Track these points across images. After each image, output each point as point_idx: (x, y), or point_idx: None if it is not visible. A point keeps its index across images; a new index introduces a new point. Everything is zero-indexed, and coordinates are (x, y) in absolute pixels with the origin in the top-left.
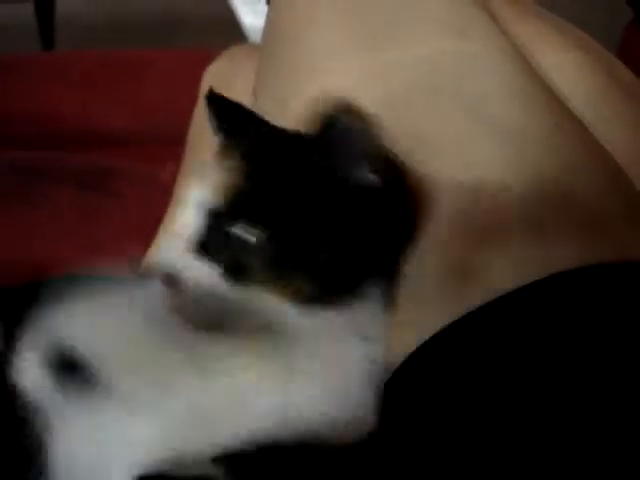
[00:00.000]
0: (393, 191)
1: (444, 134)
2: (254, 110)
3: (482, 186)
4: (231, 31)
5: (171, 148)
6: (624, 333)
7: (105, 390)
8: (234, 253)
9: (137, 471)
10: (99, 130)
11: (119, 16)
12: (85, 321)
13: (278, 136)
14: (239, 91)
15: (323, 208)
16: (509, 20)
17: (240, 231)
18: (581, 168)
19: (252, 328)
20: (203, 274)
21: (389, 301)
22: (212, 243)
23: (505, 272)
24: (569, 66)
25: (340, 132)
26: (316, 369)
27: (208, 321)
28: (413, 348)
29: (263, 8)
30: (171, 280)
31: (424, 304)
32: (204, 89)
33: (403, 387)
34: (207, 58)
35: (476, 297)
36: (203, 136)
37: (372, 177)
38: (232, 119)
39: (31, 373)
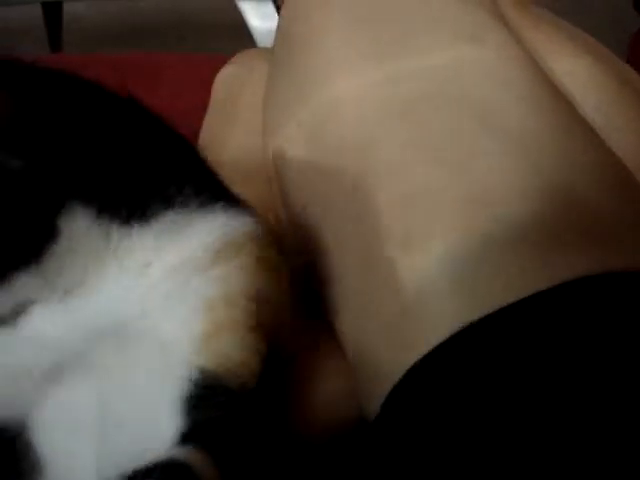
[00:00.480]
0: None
1: (453, 144)
2: (264, 117)
3: (491, 197)
4: (238, 34)
5: None
6: (631, 343)
7: None
8: None
9: None
10: None
11: (125, 18)
12: None
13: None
14: (251, 96)
15: None
16: (521, 26)
17: None
18: (593, 175)
19: None
20: None
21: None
22: None
23: (516, 280)
24: (580, 72)
25: None
26: None
27: None
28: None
29: (270, 11)
30: None
31: (430, 315)
32: (216, 94)
33: (408, 395)
34: (216, 62)
35: (483, 305)
36: (216, 139)
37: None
38: None
39: None
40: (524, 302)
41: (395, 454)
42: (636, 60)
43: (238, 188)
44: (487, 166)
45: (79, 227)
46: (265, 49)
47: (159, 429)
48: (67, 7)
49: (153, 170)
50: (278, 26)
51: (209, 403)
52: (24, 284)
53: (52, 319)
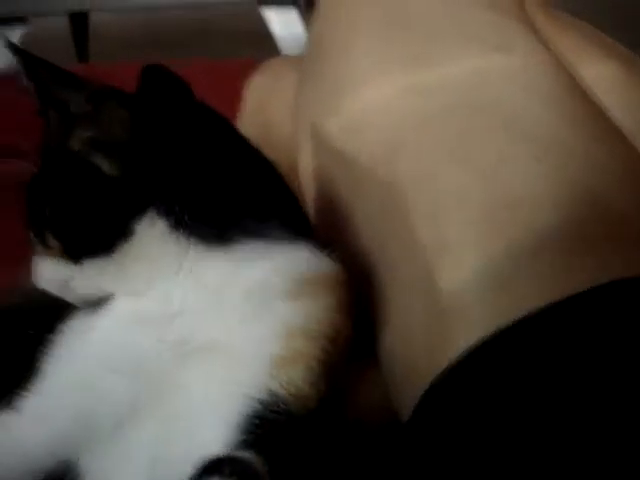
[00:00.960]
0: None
1: (483, 152)
2: (295, 125)
3: (521, 203)
4: (261, 41)
5: None
6: None
7: None
8: None
9: None
10: None
11: (149, 28)
12: None
13: None
14: (282, 103)
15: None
16: (549, 32)
17: None
18: (622, 180)
19: None
20: None
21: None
22: None
23: (550, 284)
24: (608, 76)
25: None
26: None
27: None
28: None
29: (294, 18)
30: None
31: (465, 319)
32: (248, 101)
33: (443, 396)
34: (241, 69)
35: (519, 309)
36: None
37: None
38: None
39: None
40: (559, 305)
41: (428, 455)
42: None
43: None
44: (517, 173)
45: (152, 233)
46: (291, 57)
47: (212, 441)
48: (93, 17)
49: (240, 197)
50: (309, 32)
51: (271, 423)
52: (95, 268)
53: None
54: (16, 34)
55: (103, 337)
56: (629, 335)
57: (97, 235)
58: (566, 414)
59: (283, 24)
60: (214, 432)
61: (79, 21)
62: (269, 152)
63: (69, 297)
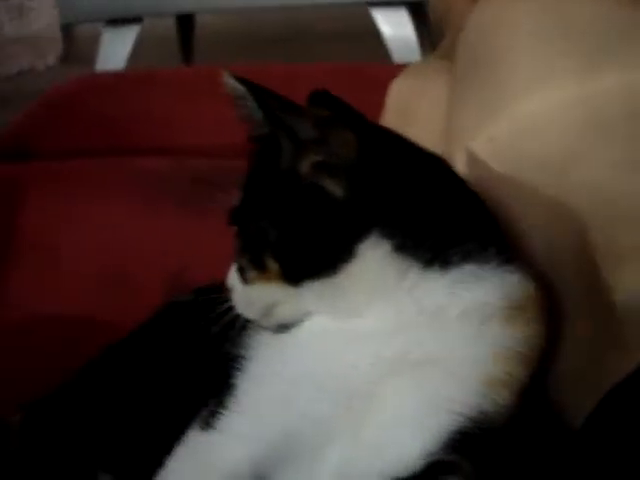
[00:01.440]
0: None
1: None
2: (448, 129)
3: None
4: (366, 41)
5: None
6: None
7: None
8: None
9: None
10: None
11: (252, 28)
12: None
13: None
14: (426, 107)
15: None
16: None
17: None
18: None
19: None
20: None
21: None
22: None
23: None
24: None
25: None
26: None
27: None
28: None
29: (404, 18)
30: None
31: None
32: (390, 105)
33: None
34: (354, 71)
35: None
36: None
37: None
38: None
39: None
40: None
41: (604, 462)
42: None
43: None
44: None
45: (375, 255)
46: (434, 61)
47: (408, 454)
48: (197, 18)
49: (460, 222)
50: (463, 40)
51: (472, 436)
52: (312, 290)
53: (331, 338)
54: (132, 33)
55: (309, 356)
56: None
57: (321, 257)
58: None
59: (392, 24)
60: (411, 445)
61: (186, 22)
62: None
63: (266, 322)
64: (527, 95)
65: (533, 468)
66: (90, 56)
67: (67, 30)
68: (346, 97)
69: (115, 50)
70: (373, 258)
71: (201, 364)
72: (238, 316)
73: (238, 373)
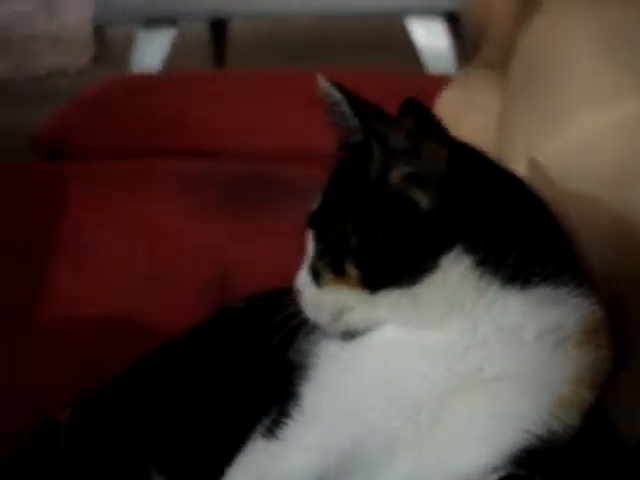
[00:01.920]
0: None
1: None
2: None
3: None
4: (401, 50)
5: None
6: None
7: None
8: None
9: None
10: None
11: (280, 35)
12: None
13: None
14: (474, 120)
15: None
16: None
17: None
18: None
19: None
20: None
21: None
22: None
23: None
24: None
25: None
26: None
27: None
28: None
29: (439, 29)
30: None
31: None
32: (439, 114)
33: None
34: (433, 83)
35: None
36: None
37: None
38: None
39: None
40: None
41: None
42: None
43: None
44: None
45: (456, 269)
46: (482, 73)
47: (476, 468)
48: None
49: (542, 243)
50: (517, 54)
51: (541, 455)
52: (389, 299)
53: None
54: (168, 36)
55: (379, 366)
56: None
57: (402, 266)
58: None
59: (428, 35)
60: (478, 460)
61: (219, 27)
62: None
63: (335, 327)
64: (585, 111)
65: None
66: (122, 58)
67: (98, 31)
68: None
69: (150, 52)
70: (454, 271)
71: (260, 371)
72: (302, 322)
73: (302, 382)
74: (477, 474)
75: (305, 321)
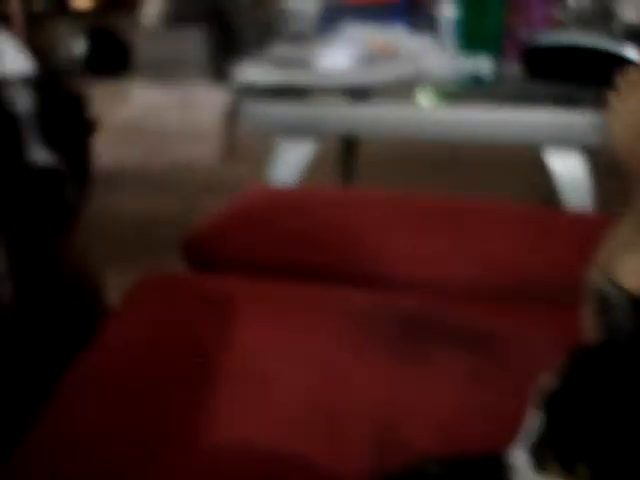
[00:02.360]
0: None
1: None
2: None
3: None
4: (533, 174)
5: (551, 310)
6: None
7: None
8: None
9: None
10: (450, 280)
11: (410, 151)
12: None
13: None
14: None
15: None
16: None
17: None
18: None
19: None
20: None
21: None
22: None
23: None
24: None
25: None
26: None
27: None
28: None
29: (577, 161)
30: None
31: None
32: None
33: None
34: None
35: None
36: None
37: None
38: None
39: None
40: None
41: None
42: None
43: None
44: None
45: None
46: None
47: None
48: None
49: None
50: None
51: None
52: None
53: None
54: (309, 148)
55: None
56: None
57: None
58: None
59: (564, 166)
60: None
61: (350, 144)
62: None
63: None
64: None
65: None
66: (250, 154)
67: (228, 125)
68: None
69: (289, 163)
70: None
71: None
72: None
73: None
74: None
75: None
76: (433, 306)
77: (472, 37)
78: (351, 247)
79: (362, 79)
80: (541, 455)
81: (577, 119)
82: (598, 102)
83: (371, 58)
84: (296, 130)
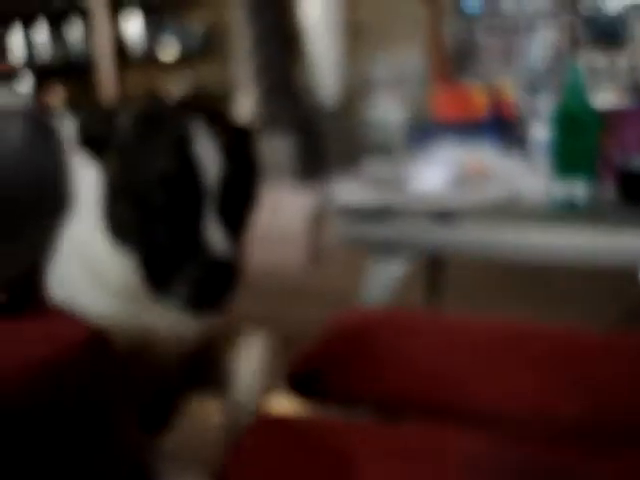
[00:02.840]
0: None
1: None
2: None
3: None
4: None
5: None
6: None
7: None
8: None
9: None
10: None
11: (498, 270)
12: None
13: None
14: None
15: None
16: None
17: None
18: None
19: None
20: None
21: None
22: None
23: None
24: None
25: None
26: None
27: None
28: None
29: None
30: None
31: None
32: None
33: None
34: None
35: None
36: None
37: None
38: None
39: None
40: None
41: None
42: None
43: None
44: None
45: None
46: None
47: None
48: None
49: None
50: None
51: None
52: None
53: None
54: (400, 268)
55: None
56: None
57: None
58: None
59: None
60: None
61: (438, 263)
62: None
63: None
64: None
65: None
66: (338, 259)
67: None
68: None
69: (381, 281)
70: None
71: None
72: None
73: None
74: None
75: None
76: (546, 453)
77: (567, 160)
78: (458, 380)
79: (454, 202)
80: None
81: None
82: None
83: (464, 179)
84: (388, 249)
